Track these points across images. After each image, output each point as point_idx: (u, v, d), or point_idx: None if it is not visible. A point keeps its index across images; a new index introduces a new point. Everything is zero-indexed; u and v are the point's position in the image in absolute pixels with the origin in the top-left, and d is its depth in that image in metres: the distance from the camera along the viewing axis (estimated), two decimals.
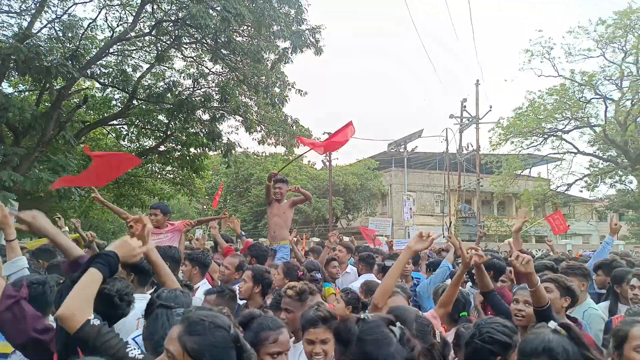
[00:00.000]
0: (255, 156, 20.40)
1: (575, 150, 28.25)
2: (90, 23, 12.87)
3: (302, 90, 14.49)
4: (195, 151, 14.97)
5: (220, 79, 14.21)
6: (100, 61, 12.87)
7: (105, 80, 13.60)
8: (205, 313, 1.54)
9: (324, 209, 27.02)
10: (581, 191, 30.94)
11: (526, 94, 27.89)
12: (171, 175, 17.86)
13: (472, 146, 25.18)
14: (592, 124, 27.51)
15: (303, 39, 12.53)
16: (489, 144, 28.50)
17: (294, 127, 15.44)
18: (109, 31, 13.17)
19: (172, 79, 14.15)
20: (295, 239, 5.79)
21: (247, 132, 14.55)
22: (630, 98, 26.68)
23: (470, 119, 24.87)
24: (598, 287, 4.30)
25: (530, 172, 34.11)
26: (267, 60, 13.20)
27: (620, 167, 28.03)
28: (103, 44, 12.80)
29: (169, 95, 13.32)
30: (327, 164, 27.03)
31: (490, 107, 28.70)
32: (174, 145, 15.47)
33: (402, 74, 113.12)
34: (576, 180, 28.93)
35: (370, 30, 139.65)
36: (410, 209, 22.06)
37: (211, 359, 1.42)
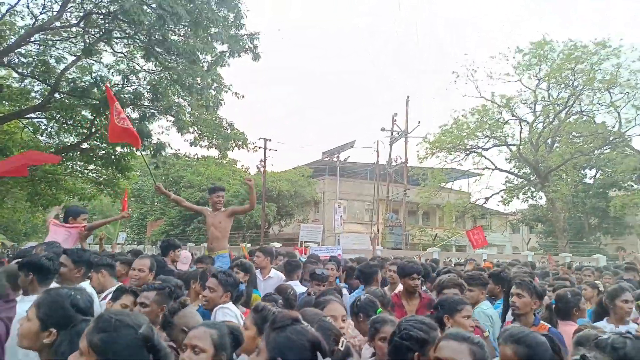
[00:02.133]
0: (186, 158, 19.89)
1: (494, 167, 30.44)
2: (9, 9, 11.96)
3: (238, 94, 14.39)
4: (122, 150, 14.33)
5: (152, 77, 13.75)
6: (20, 49, 11.99)
7: (24, 70, 12.67)
8: (117, 312, 1.56)
9: (257, 215, 26.82)
10: (497, 205, 33.44)
11: (451, 112, 29.77)
12: (94, 175, 16.93)
13: (400, 158, 26.34)
14: (509, 143, 29.83)
15: (241, 43, 12.50)
16: (416, 157, 29.99)
17: (229, 131, 15.28)
18: (31, 19, 12.31)
19: (99, 73, 13.48)
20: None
21: (179, 133, 14.19)
22: (542, 121, 29.29)
23: (400, 133, 25.98)
24: (489, 295, 4.67)
25: (452, 185, 36.23)
26: (203, 62, 13.00)
27: (532, 183, 30.59)
28: (23, 31, 11.95)
29: (95, 90, 12.66)
30: (262, 169, 26.95)
31: (419, 122, 30.29)
32: (98, 143, 14.71)
33: (340, 86, 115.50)
34: (493, 195, 31.17)
35: (308, 39, 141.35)
36: (341, 216, 22.55)
37: (114, 356, 1.43)
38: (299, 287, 4.73)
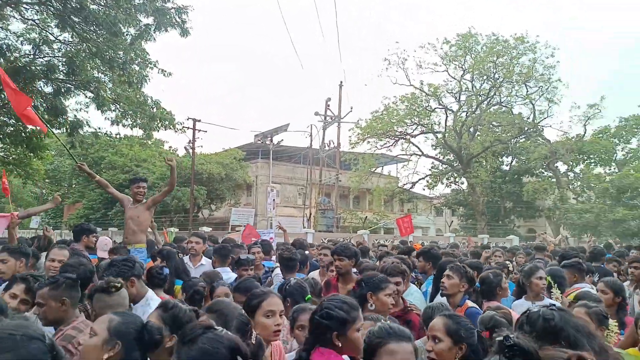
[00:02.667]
0: (107, 138, 18.57)
1: (420, 153, 31.72)
2: None
3: (165, 71, 13.62)
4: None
5: (68, 49, 12.63)
6: None
7: None
8: (12, 325, 1.37)
9: (185, 199, 25.93)
10: (423, 189, 34.88)
11: (382, 99, 30.48)
12: (1, 154, 15.39)
13: (333, 143, 26.58)
14: (435, 131, 31.17)
15: (168, 17, 11.81)
16: (348, 142, 30.47)
17: (155, 110, 14.46)
18: None
19: (6, 41, 12.15)
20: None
21: (99, 111, 13.23)
22: (466, 110, 30.88)
23: (333, 118, 26.17)
24: (420, 271, 4.88)
25: (382, 170, 37.33)
26: (126, 35, 12.14)
27: (455, 169, 32.29)
28: None
29: (1, 60, 11.41)
30: (190, 151, 25.96)
31: (351, 108, 30.68)
32: (6, 119, 13.34)
33: (274, 69, 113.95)
34: (419, 180, 32.52)
35: (242, 21, 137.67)
36: (274, 200, 22.41)
37: None
38: (228, 274, 4.58)
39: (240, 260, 4.50)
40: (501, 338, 1.50)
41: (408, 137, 30.73)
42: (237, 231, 15.67)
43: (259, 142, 26.00)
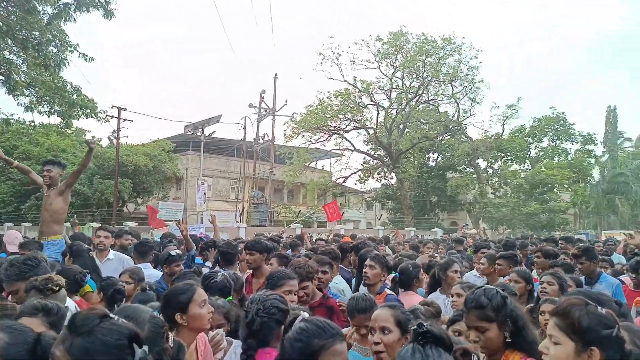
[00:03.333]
0: (21, 125, 17.04)
1: (353, 148, 32.36)
2: None
3: (87, 55, 12.73)
4: None
5: None
6: None
7: None
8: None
9: (108, 192, 24.50)
10: (355, 184, 35.67)
11: (317, 94, 30.69)
12: None
13: (268, 136, 26.35)
14: (367, 127, 31.92)
15: None
16: (283, 136, 30.37)
17: (74, 96, 13.47)
18: None
19: None
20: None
21: (11, 95, 12.09)
22: (396, 107, 31.93)
23: (268, 110, 25.93)
24: (353, 265, 5.01)
25: (316, 164, 37.68)
26: (43, 14, 11.19)
27: (385, 165, 33.34)
28: None
29: None
30: (115, 141, 24.52)
31: (286, 101, 30.59)
32: None
33: (206, 58, 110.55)
34: (351, 174, 33.21)
35: (174, 7, 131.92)
36: (205, 194, 21.82)
37: None
38: (150, 271, 4.40)
39: (170, 257, 4.33)
40: (415, 326, 1.54)
41: (341, 132, 31.23)
42: (166, 226, 15.12)
43: (190, 133, 25.09)
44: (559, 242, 8.12)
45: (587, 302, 1.76)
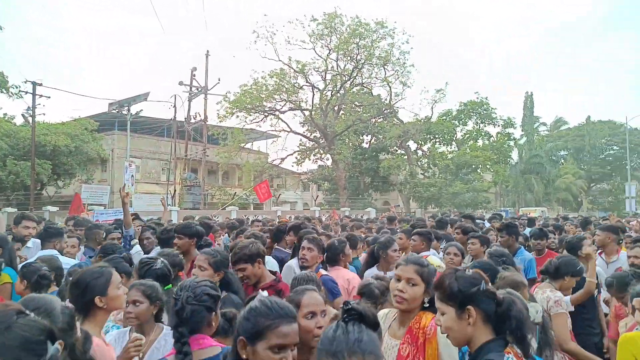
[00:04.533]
0: None
1: (289, 129, 32.25)
2: None
3: None
4: None
5: None
6: None
7: None
8: None
9: (24, 174, 22.61)
10: (292, 165, 35.67)
11: (252, 73, 30.10)
12: None
13: (200, 116, 25.50)
14: (303, 108, 31.91)
15: None
16: (216, 116, 29.55)
17: None
18: None
19: None
20: None
21: None
22: (331, 89, 32.14)
23: (200, 89, 25.06)
24: (289, 246, 5.06)
25: (252, 145, 37.20)
26: None
27: (321, 146, 33.62)
28: None
29: None
30: (30, 119, 22.57)
31: (219, 79, 29.77)
32: None
33: (132, 32, 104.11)
34: (288, 156, 33.17)
35: None
36: (132, 176, 20.80)
37: None
38: (63, 258, 4.18)
39: (105, 247, 4.13)
40: (341, 305, 1.60)
41: (277, 113, 30.96)
42: (90, 210, 14.34)
43: (115, 111, 23.61)
44: (484, 219, 8.74)
45: (457, 269, 1.96)
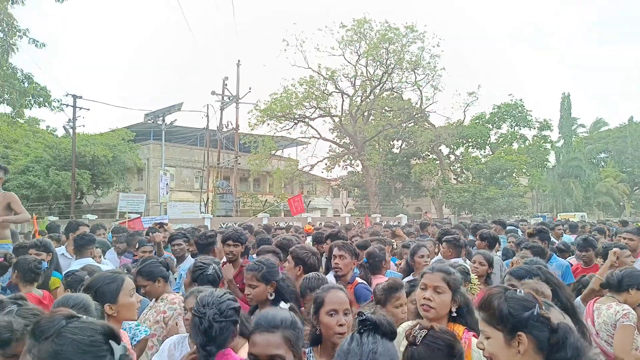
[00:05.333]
0: None
1: (319, 136, 32.33)
2: None
3: (38, 41, 12.12)
4: None
5: None
6: None
7: None
8: None
9: (65, 183, 23.51)
10: (322, 172, 35.74)
11: (281, 81, 30.38)
12: None
13: (232, 124, 25.88)
14: (332, 114, 31.95)
15: None
16: (248, 124, 29.95)
17: (25, 84, 12.81)
18: None
19: None
20: None
21: None
22: (360, 95, 32.07)
23: (231, 98, 25.46)
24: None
25: (282, 152, 37.49)
26: None
27: (351, 152, 33.55)
28: None
29: None
30: (70, 131, 23.50)
31: (250, 88, 30.10)
32: None
33: (166, 45, 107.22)
34: (318, 162, 33.25)
35: None
36: (167, 184, 21.31)
37: None
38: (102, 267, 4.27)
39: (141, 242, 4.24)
40: (356, 316, 1.56)
41: (307, 120, 31.10)
42: (128, 218, 14.72)
43: (150, 122, 24.28)
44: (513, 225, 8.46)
45: (506, 288, 1.75)
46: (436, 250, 5.60)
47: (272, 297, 2.84)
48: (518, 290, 1.72)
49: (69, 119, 22.99)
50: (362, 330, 1.49)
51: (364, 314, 1.53)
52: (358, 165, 34.55)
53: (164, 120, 23.48)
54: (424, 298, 2.25)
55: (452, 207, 33.21)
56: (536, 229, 5.13)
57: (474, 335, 2.21)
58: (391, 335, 1.53)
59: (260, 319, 1.78)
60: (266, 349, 1.70)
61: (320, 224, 15.45)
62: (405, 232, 8.74)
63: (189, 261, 4.56)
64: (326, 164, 33.85)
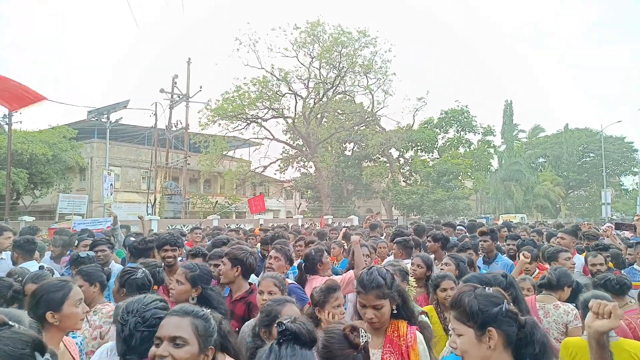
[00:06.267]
0: None
1: (272, 137, 32.19)
2: None
3: None
4: None
5: None
6: None
7: None
8: None
9: (0, 183, 22.04)
10: (275, 173, 35.61)
11: (234, 80, 29.99)
12: None
13: (181, 123, 25.22)
14: (286, 115, 31.91)
15: None
16: (198, 124, 29.32)
17: None
18: None
19: None
20: None
21: None
22: (314, 97, 32.24)
23: (181, 97, 24.82)
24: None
25: (234, 153, 37.00)
26: None
27: (304, 154, 33.65)
28: None
29: None
30: (6, 127, 22.04)
31: (201, 87, 29.50)
32: None
33: (112, 40, 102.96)
34: (271, 163, 33.10)
35: None
36: (112, 185, 20.44)
37: None
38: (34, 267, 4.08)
39: (79, 259, 4.01)
40: (276, 325, 1.52)
41: (259, 120, 30.86)
42: (67, 220, 14.03)
43: (94, 119, 23.18)
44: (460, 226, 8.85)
45: (476, 286, 1.80)
46: (389, 252, 5.76)
47: (194, 302, 2.83)
48: (487, 287, 1.77)
49: (4, 115, 21.58)
50: (280, 341, 1.45)
51: (283, 324, 1.48)
52: (311, 167, 34.67)
53: (108, 118, 22.47)
54: (367, 317, 2.28)
55: (402, 209, 34.07)
56: (489, 229, 5.44)
57: (417, 329, 2.32)
58: (311, 344, 1.50)
59: (173, 309, 1.76)
60: (170, 330, 1.65)
61: (272, 225, 15.40)
62: (355, 234, 8.88)
63: (114, 267, 4.37)
64: (279, 166, 33.75)
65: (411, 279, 3.53)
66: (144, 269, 3.08)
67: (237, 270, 3.33)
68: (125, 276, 2.94)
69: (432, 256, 4.72)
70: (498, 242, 6.19)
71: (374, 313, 2.27)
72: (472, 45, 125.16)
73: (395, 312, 2.33)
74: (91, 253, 4.47)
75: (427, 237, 5.30)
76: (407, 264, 4.54)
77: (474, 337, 1.67)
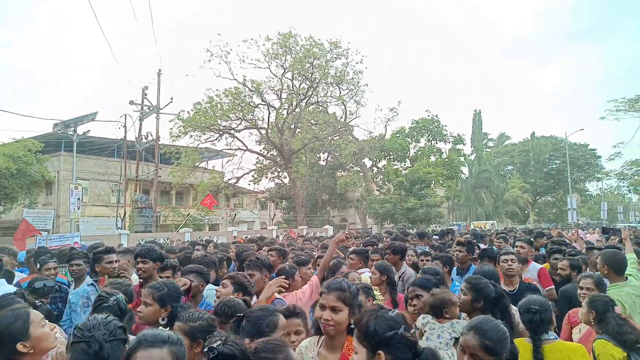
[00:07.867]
0: None
1: (245, 148, 31.99)
2: None
3: None
4: None
5: None
6: None
7: None
8: None
9: None
10: (249, 184, 35.33)
11: (206, 91, 29.69)
12: None
13: (151, 135, 24.80)
14: (259, 126, 31.77)
15: None
16: (169, 135, 28.85)
17: None
18: None
19: None
20: None
21: None
22: (287, 108, 32.28)
23: (151, 108, 24.45)
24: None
25: (207, 164, 36.58)
26: None
27: (278, 164, 33.56)
28: None
29: None
30: None
31: (172, 98, 29.08)
32: None
33: (81, 52, 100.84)
34: (244, 174, 32.83)
35: None
36: (79, 199, 19.88)
37: None
38: (5, 287, 3.92)
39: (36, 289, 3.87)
40: (206, 349, 1.50)
41: (232, 131, 30.64)
42: (33, 236, 13.56)
43: (60, 132, 22.55)
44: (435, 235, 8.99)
45: (381, 307, 1.85)
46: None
47: (164, 322, 2.75)
48: (392, 311, 1.79)
49: None
50: None
51: (214, 348, 1.46)
52: (285, 178, 34.58)
53: (75, 131, 21.90)
54: (323, 318, 2.28)
55: (375, 218, 34.32)
56: (467, 241, 5.55)
57: None
58: None
59: (144, 336, 1.67)
60: None
61: (246, 237, 15.26)
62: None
63: (87, 282, 4.25)
64: (253, 176, 33.53)
65: (376, 292, 3.56)
66: (117, 295, 2.98)
67: (239, 297, 3.37)
68: (98, 302, 2.83)
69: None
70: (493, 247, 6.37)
71: (330, 315, 2.27)
72: (442, 55, 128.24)
73: (352, 326, 2.31)
74: (49, 282, 4.33)
75: (386, 249, 5.35)
76: (363, 272, 4.60)
77: (366, 358, 1.70)
